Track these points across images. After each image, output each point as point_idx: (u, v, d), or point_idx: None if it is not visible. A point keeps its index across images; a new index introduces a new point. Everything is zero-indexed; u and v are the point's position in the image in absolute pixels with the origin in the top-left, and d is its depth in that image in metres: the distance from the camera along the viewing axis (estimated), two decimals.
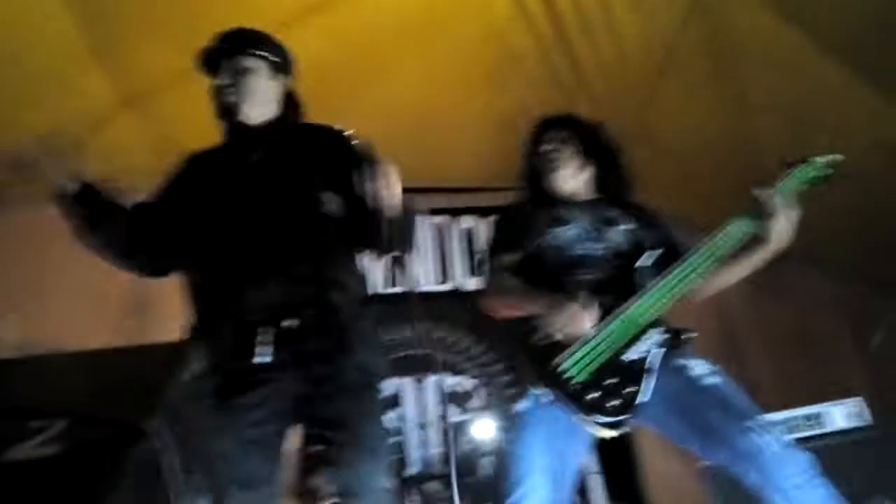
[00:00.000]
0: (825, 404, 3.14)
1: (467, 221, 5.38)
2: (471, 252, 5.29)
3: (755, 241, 2.09)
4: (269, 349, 1.72)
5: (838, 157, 2.16)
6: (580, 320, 1.94)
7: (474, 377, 4.92)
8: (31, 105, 3.68)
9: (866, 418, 3.08)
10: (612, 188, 2.37)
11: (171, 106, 4.01)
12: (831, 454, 2.86)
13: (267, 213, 1.89)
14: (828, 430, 3.09)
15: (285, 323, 1.76)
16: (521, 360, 2.05)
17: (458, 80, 4.06)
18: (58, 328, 3.84)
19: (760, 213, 2.06)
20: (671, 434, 2.05)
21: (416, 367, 4.85)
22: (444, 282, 5.19)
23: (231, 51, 2.10)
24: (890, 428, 2.98)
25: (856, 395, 3.15)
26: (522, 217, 2.32)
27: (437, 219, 5.34)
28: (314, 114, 4.08)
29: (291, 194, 1.91)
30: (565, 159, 2.35)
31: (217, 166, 2.05)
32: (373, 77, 3.92)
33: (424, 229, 5.28)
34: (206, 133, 4.19)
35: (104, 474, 0.66)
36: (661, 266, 2.12)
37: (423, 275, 5.16)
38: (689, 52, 3.80)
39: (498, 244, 2.34)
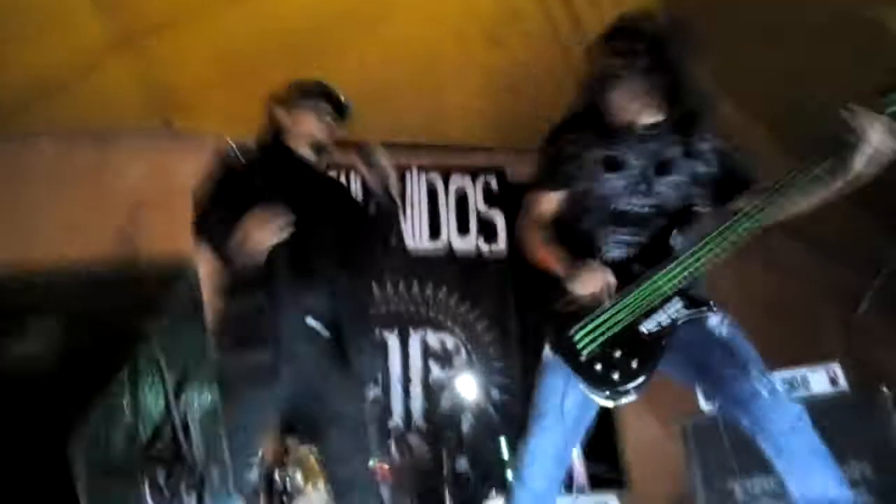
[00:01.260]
0: (802, 368, 3.20)
1: (459, 180, 5.37)
2: (462, 211, 5.29)
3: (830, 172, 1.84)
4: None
5: None
6: (598, 282, 1.93)
7: (458, 335, 4.95)
8: (23, 44, 3.61)
9: (843, 384, 3.14)
10: (682, 110, 2.04)
11: (164, 48, 3.95)
12: (811, 417, 2.94)
13: (305, 238, 2.18)
14: (805, 394, 3.15)
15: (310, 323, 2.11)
16: (541, 323, 2.08)
17: (455, 34, 4.01)
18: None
19: (843, 147, 1.78)
20: (673, 375, 2.07)
21: (402, 323, 4.89)
22: (433, 240, 5.19)
23: (333, 102, 2.39)
24: (865, 394, 3.04)
25: (833, 361, 3.20)
26: (575, 151, 2.10)
27: (429, 176, 5.32)
28: (314, 63, 4.04)
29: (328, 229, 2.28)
30: (635, 76, 2.01)
31: (280, 183, 2.27)
32: (370, 29, 3.89)
33: (416, 186, 5.27)
34: (197, 76, 4.18)
35: (102, 374, 0.66)
36: (718, 195, 2.04)
37: (413, 232, 5.16)
38: (690, 11, 3.76)
39: (545, 177, 2.18)
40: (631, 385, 1.89)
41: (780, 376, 3.19)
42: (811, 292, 4.93)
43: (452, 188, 5.34)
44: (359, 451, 2.14)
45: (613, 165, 2.06)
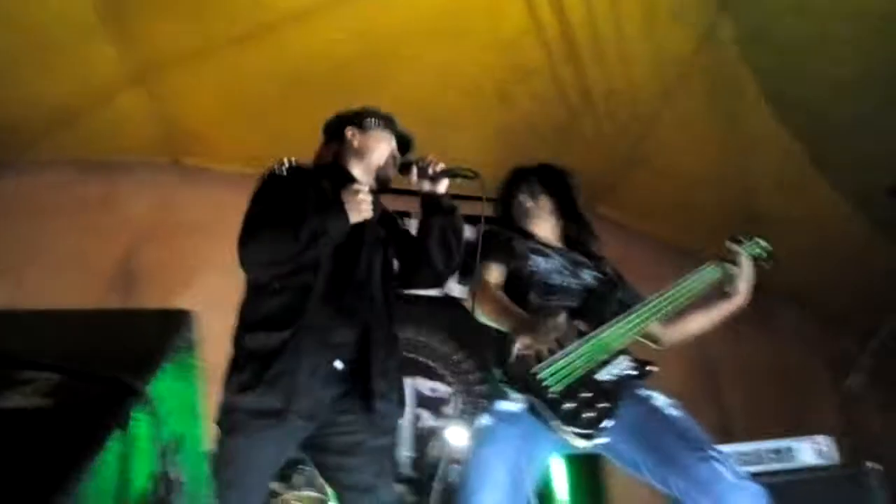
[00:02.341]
0: (794, 439, 3.19)
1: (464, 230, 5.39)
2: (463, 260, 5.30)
3: (719, 296, 2.34)
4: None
5: (769, 248, 2.46)
6: (550, 339, 1.97)
7: (451, 384, 4.93)
8: (39, 73, 3.69)
9: (834, 457, 3.13)
10: (579, 242, 2.53)
11: (178, 84, 4.03)
12: (796, 489, 2.93)
13: (347, 269, 2.12)
14: (795, 465, 3.14)
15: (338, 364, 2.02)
16: (498, 368, 2.05)
17: (466, 88, 4.09)
18: (45, 295, 3.85)
19: (730, 265, 2.34)
20: (626, 462, 2.08)
21: None
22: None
23: (402, 137, 2.39)
24: (856, 468, 3.03)
25: (826, 433, 3.20)
26: (507, 237, 2.42)
27: None
28: (327, 103, 4.10)
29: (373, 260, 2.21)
30: (541, 211, 2.52)
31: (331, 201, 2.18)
32: (383, 76, 3.95)
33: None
34: (208, 113, 4.25)
35: (96, 429, 0.68)
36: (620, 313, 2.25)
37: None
38: (694, 83, 3.86)
39: (488, 253, 2.37)
40: (607, 423, 1.91)
41: (770, 445, 3.19)
42: (808, 362, 4.93)
43: None
44: (382, 481, 2.04)
45: (539, 252, 2.38)
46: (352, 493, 2.00)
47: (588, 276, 2.36)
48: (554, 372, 1.94)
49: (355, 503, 1.99)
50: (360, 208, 2.06)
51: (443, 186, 2.20)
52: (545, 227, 2.52)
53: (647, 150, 4.41)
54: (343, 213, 2.04)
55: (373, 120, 2.34)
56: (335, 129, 2.38)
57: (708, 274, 2.32)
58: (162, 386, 0.82)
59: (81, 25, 3.48)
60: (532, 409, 1.95)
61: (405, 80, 3.99)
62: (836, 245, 4.28)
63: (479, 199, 2.23)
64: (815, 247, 4.17)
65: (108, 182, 4.59)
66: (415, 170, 2.20)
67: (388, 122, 2.36)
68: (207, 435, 0.99)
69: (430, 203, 2.22)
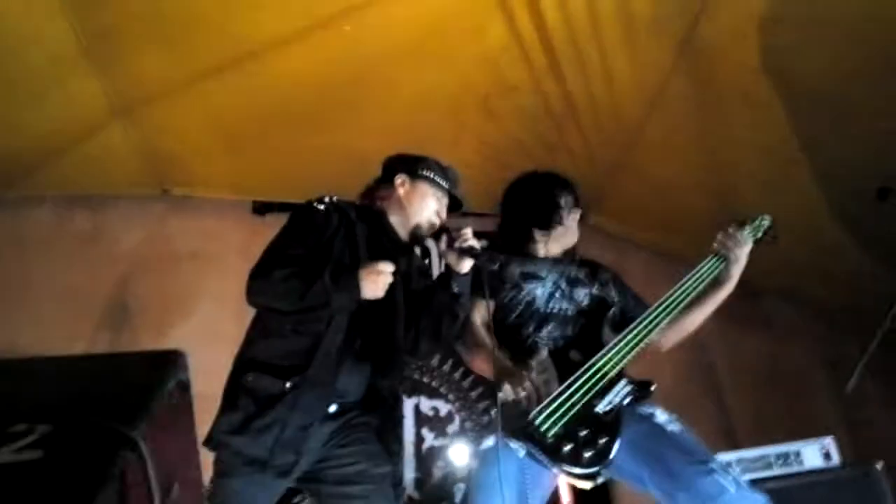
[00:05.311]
0: (797, 443, 3.17)
1: None
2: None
3: (712, 285, 2.26)
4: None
5: (769, 223, 2.43)
6: (536, 384, 1.97)
7: (452, 402, 4.91)
8: (22, 106, 3.66)
9: (837, 458, 3.12)
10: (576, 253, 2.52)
11: (163, 117, 4.01)
12: (801, 493, 2.92)
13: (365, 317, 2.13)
14: (799, 468, 3.12)
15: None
16: (496, 411, 2.06)
17: (450, 106, 4.08)
18: (36, 334, 3.81)
19: (724, 256, 2.26)
20: (632, 479, 2.07)
21: None
22: None
23: (453, 196, 2.36)
24: (859, 469, 3.02)
25: (828, 434, 3.19)
26: (496, 268, 2.36)
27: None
28: (312, 127, 4.09)
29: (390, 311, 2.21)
30: (573, 224, 2.50)
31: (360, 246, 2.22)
32: (366, 100, 3.95)
33: None
34: (196, 146, 4.24)
35: (88, 480, 0.66)
36: (620, 323, 2.23)
37: None
38: (677, 90, 3.87)
39: (474, 288, 2.32)
40: (607, 461, 1.88)
41: (773, 451, 3.17)
42: (807, 362, 4.93)
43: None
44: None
45: (532, 277, 2.35)
46: None
47: (582, 294, 2.34)
48: (549, 414, 1.93)
49: None
50: (376, 288, 2.01)
51: (466, 265, 2.15)
52: (564, 241, 2.49)
53: (634, 157, 4.42)
54: (354, 291, 1.99)
55: (428, 173, 2.28)
56: (391, 170, 2.33)
57: (710, 270, 2.24)
58: (153, 430, 0.80)
59: (64, 60, 3.46)
60: (531, 455, 1.93)
61: (387, 102, 3.99)
62: (829, 245, 4.29)
63: (475, 215, 2.22)
64: (808, 247, 4.18)
65: (96, 216, 4.57)
66: (445, 238, 2.16)
67: (443, 180, 2.30)
68: (203, 474, 0.96)
69: (442, 279, 2.19)
